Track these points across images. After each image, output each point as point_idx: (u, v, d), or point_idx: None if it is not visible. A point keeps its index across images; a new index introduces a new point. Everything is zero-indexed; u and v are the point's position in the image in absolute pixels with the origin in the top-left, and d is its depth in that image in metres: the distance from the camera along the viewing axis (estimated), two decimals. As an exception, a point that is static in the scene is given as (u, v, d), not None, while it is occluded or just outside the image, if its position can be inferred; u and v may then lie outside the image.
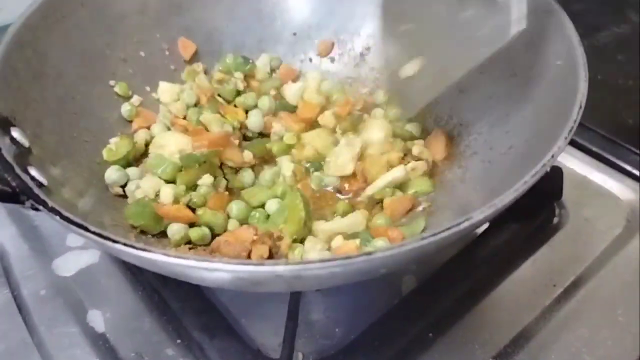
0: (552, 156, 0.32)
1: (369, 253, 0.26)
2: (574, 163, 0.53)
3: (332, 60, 0.55)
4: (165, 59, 0.51)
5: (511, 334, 0.41)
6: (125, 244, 0.27)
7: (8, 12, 0.51)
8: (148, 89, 0.50)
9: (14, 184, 0.30)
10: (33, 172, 0.33)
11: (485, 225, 0.48)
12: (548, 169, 0.32)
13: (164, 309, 0.44)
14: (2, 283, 0.46)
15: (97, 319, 0.43)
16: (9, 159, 0.31)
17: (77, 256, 0.48)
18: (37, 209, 0.31)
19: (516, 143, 0.41)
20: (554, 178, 0.48)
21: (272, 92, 0.52)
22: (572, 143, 0.55)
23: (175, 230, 0.41)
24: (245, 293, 0.44)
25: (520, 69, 0.44)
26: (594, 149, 0.54)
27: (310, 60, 0.56)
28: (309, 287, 0.38)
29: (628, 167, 0.52)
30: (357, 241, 0.40)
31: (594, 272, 0.45)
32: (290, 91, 0.51)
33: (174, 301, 0.44)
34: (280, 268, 0.26)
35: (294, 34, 0.55)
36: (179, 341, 0.42)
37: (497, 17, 0.41)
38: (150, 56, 0.51)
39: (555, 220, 0.49)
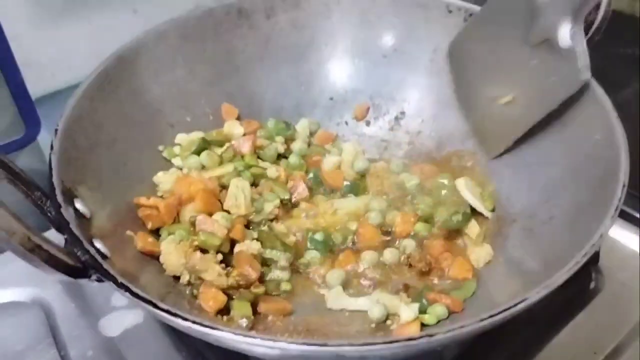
0: (601, 235, 0.33)
1: (431, 335, 0.27)
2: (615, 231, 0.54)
3: (368, 123, 0.57)
4: (209, 123, 0.53)
5: None
6: (194, 322, 0.28)
7: (63, 78, 0.54)
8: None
9: (83, 258, 0.31)
10: (97, 244, 0.34)
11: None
12: (598, 249, 0.32)
13: None
14: (50, 343, 0.47)
15: None
16: (77, 232, 0.33)
17: (122, 316, 0.49)
18: (102, 281, 0.32)
19: (557, 214, 0.42)
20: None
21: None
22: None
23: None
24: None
25: (559, 138, 0.45)
26: (628, 210, 0.56)
27: (347, 123, 0.57)
28: None
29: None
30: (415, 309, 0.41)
31: (634, 338, 0.46)
32: (328, 165, 0.53)
33: None
34: (345, 349, 0.27)
35: (331, 98, 0.57)
36: None
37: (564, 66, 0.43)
38: (195, 120, 0.52)
39: (592, 285, 0.50)
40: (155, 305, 0.29)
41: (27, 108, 0.54)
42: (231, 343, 0.30)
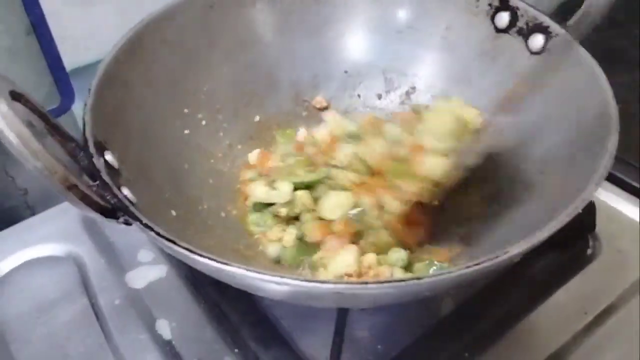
0: (583, 200, 0.35)
1: (420, 278, 0.30)
2: (609, 197, 0.56)
3: (379, 97, 0.60)
4: (228, 92, 0.56)
5: (542, 357, 0.44)
6: (209, 258, 0.32)
7: (95, 52, 0.58)
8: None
9: (112, 202, 0.35)
10: (125, 191, 0.38)
11: (522, 254, 0.52)
12: (580, 211, 0.35)
13: (224, 320, 0.48)
14: (82, 292, 0.51)
15: (164, 328, 0.48)
16: (107, 179, 0.37)
17: (147, 270, 0.53)
18: (129, 224, 0.36)
19: (550, 182, 0.44)
20: (587, 212, 0.51)
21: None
22: (609, 178, 0.58)
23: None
24: (296, 309, 0.48)
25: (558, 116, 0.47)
26: (629, 181, 0.57)
27: (359, 96, 0.60)
28: (362, 304, 0.41)
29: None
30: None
31: (624, 302, 0.48)
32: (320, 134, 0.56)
33: (232, 314, 0.48)
34: (340, 287, 0.30)
35: (346, 71, 0.60)
36: (236, 350, 0.46)
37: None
38: (215, 88, 0.55)
39: (589, 251, 0.52)
40: (174, 243, 0.33)
41: (62, 80, 0.58)
42: (240, 279, 0.33)
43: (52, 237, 0.56)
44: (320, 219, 0.50)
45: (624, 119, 0.67)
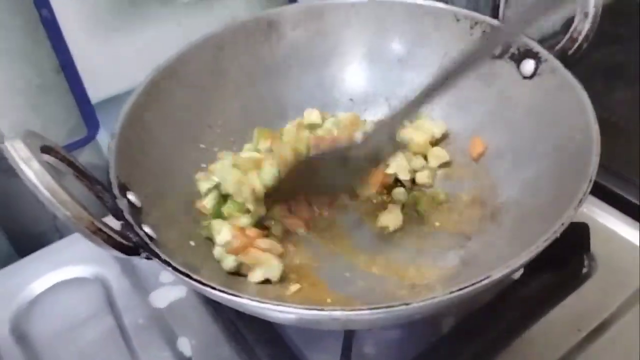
0: (562, 224, 0.38)
1: (407, 304, 0.34)
2: (606, 217, 0.59)
3: (383, 122, 0.63)
4: (240, 123, 0.60)
5: None
6: (218, 289, 0.35)
7: (116, 86, 0.62)
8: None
9: (134, 240, 0.39)
10: (146, 229, 0.42)
11: (520, 273, 0.54)
12: (558, 235, 0.37)
13: (240, 339, 0.52)
14: (108, 312, 0.55)
15: (185, 346, 0.52)
16: (130, 219, 0.41)
17: (168, 291, 0.57)
18: (150, 259, 0.40)
19: (539, 203, 0.47)
20: (581, 233, 0.54)
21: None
22: (607, 197, 0.61)
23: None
24: (308, 330, 0.52)
25: (547, 139, 0.50)
26: (629, 198, 0.60)
27: (365, 121, 0.64)
28: (359, 327, 0.45)
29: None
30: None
31: (616, 319, 0.50)
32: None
33: (248, 333, 0.52)
34: (337, 313, 0.34)
35: (351, 99, 0.63)
36: None
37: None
38: (228, 121, 0.59)
39: (585, 270, 0.54)
40: (189, 277, 0.36)
41: (88, 112, 0.62)
42: (251, 309, 0.37)
43: (80, 259, 0.60)
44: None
45: (624, 135, 0.70)
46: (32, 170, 0.34)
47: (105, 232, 0.36)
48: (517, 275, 0.54)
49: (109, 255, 0.59)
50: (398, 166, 0.56)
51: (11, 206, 0.62)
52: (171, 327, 0.53)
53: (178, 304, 0.56)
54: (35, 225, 0.65)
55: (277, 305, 0.34)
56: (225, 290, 0.36)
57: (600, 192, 0.60)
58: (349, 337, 0.48)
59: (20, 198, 0.62)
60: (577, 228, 0.54)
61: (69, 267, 0.60)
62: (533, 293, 0.53)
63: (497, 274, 0.35)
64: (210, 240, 0.51)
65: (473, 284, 0.35)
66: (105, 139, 0.65)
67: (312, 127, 0.60)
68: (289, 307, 0.34)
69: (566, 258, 0.54)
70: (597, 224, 0.58)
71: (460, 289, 0.35)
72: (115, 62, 0.61)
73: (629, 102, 0.78)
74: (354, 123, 0.59)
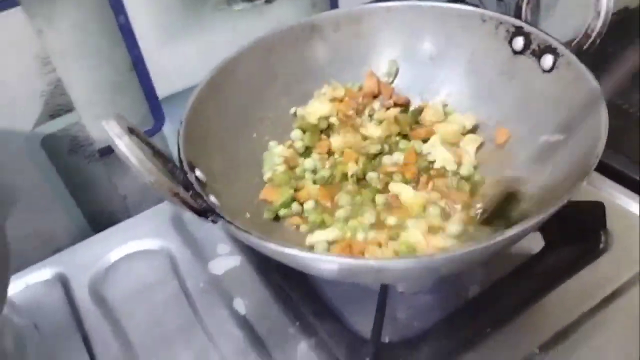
0: (569, 195, 0.43)
1: (432, 255, 0.40)
2: (623, 200, 0.64)
3: (417, 114, 0.70)
4: (287, 118, 0.68)
5: (552, 332, 0.52)
6: (274, 242, 0.43)
7: (181, 83, 0.71)
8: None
9: (203, 206, 0.47)
10: (212, 198, 0.50)
11: (541, 247, 0.60)
12: (567, 200, 0.43)
13: (287, 300, 0.58)
14: (173, 278, 0.63)
15: (240, 305, 0.59)
16: (198, 189, 0.49)
17: (224, 260, 0.64)
18: (215, 222, 0.47)
19: (555, 182, 0.53)
20: (597, 211, 0.59)
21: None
22: (624, 181, 0.66)
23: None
24: (347, 292, 0.58)
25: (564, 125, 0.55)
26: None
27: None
28: (392, 278, 0.50)
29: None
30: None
31: (627, 289, 0.55)
32: None
33: (294, 295, 0.58)
34: (371, 262, 0.41)
35: (387, 95, 0.70)
36: (297, 323, 0.56)
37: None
38: (277, 115, 0.67)
39: (601, 246, 0.59)
40: (249, 233, 0.44)
41: (155, 106, 0.71)
42: (295, 260, 0.44)
43: (147, 234, 0.68)
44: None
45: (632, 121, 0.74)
46: (124, 143, 0.42)
47: (182, 197, 0.44)
48: (537, 249, 0.59)
49: (172, 230, 0.68)
50: (444, 159, 0.61)
51: (89, 189, 0.71)
52: (227, 290, 0.61)
53: (233, 272, 0.63)
54: (109, 205, 0.74)
55: (323, 255, 0.42)
56: (279, 242, 0.43)
57: (617, 176, 0.65)
58: (382, 298, 0.54)
59: (97, 182, 0.71)
60: (594, 206, 0.59)
61: (138, 241, 0.68)
62: (551, 265, 0.58)
63: (510, 232, 0.41)
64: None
65: (489, 241, 0.41)
66: (170, 130, 0.74)
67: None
68: (333, 257, 0.41)
69: (584, 234, 0.59)
70: (615, 205, 0.62)
71: (478, 245, 0.41)
72: (179, 63, 0.70)
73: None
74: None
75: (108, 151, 0.69)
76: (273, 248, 0.43)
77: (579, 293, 0.55)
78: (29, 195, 0.67)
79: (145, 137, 0.50)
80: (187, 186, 0.49)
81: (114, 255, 0.67)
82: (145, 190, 0.76)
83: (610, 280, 0.56)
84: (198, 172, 0.52)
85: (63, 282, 0.65)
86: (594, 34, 0.55)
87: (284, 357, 0.54)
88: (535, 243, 0.60)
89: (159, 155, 0.51)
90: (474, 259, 0.44)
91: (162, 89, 0.70)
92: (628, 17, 0.96)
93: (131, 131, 0.46)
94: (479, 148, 0.64)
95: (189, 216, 0.66)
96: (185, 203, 0.44)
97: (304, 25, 0.67)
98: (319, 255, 0.42)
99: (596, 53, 0.56)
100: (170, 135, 0.74)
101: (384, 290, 0.54)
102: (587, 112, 0.52)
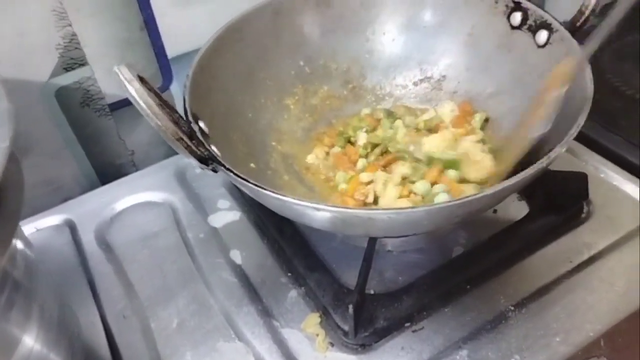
0: (549, 157, 0.45)
1: (414, 207, 0.43)
2: (608, 174, 0.66)
3: (416, 84, 0.72)
4: (290, 79, 0.70)
5: (529, 291, 0.55)
6: (270, 190, 0.46)
7: (190, 44, 0.73)
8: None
9: (205, 154, 0.49)
10: (213, 147, 0.53)
11: (525, 212, 0.63)
12: (544, 165, 0.45)
13: (281, 252, 0.61)
14: (175, 228, 0.66)
15: (236, 256, 0.62)
16: (201, 138, 0.51)
17: (224, 215, 0.67)
18: (216, 171, 0.50)
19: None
20: (579, 182, 0.62)
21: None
22: (610, 156, 0.68)
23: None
24: (337, 247, 0.61)
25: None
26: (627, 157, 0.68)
27: (398, 83, 0.73)
28: (378, 229, 0.50)
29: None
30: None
31: (604, 255, 0.58)
32: None
33: (287, 248, 0.61)
34: (360, 211, 0.44)
35: (387, 63, 0.73)
36: (289, 274, 0.59)
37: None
38: (281, 77, 0.69)
39: (583, 215, 0.62)
40: (247, 180, 0.47)
41: (164, 65, 0.74)
42: (294, 208, 0.46)
43: (152, 187, 0.71)
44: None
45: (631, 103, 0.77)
46: (134, 87, 0.45)
47: (185, 142, 0.47)
48: (521, 215, 0.62)
49: (176, 185, 0.72)
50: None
51: (99, 142, 0.75)
52: (225, 242, 0.64)
53: (231, 225, 0.66)
54: (117, 158, 0.77)
55: (315, 204, 0.44)
56: (276, 191, 0.46)
57: (604, 152, 0.68)
58: (369, 250, 0.57)
59: (106, 135, 0.75)
60: (578, 177, 0.62)
61: (143, 193, 0.71)
62: (533, 231, 0.61)
63: (489, 191, 0.44)
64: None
65: (468, 197, 0.44)
66: (177, 90, 0.77)
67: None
68: (325, 205, 0.44)
69: (567, 203, 0.62)
70: (600, 179, 0.65)
71: (458, 200, 0.44)
72: (189, 24, 0.72)
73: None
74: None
75: (118, 106, 0.73)
76: (268, 194, 0.46)
77: (557, 258, 0.58)
78: (42, 144, 0.70)
79: (153, 87, 0.52)
80: (191, 136, 0.52)
81: (120, 205, 0.71)
82: (151, 147, 0.79)
83: (588, 246, 0.59)
84: (201, 124, 0.55)
85: (71, 227, 0.69)
86: (587, 11, 0.57)
87: (275, 303, 0.57)
88: (520, 210, 0.63)
89: (166, 105, 0.53)
90: (454, 214, 0.46)
91: (171, 49, 0.73)
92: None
93: (141, 80, 0.49)
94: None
95: (192, 173, 0.70)
96: (188, 148, 0.47)
97: (312, -9, 0.70)
98: (312, 204, 0.44)
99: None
100: (178, 95, 0.77)
101: (372, 244, 0.57)
102: (574, 86, 0.54)
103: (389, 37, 0.72)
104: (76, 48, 0.66)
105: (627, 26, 0.97)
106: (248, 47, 0.66)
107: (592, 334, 0.52)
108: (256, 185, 0.47)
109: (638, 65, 0.89)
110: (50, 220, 0.69)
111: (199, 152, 0.48)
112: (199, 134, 0.52)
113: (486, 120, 0.66)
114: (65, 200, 0.73)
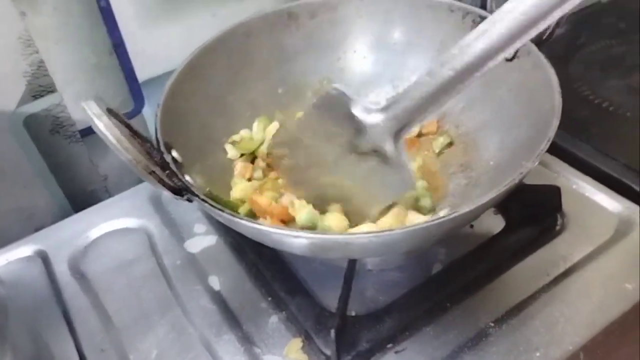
0: (521, 173, 0.46)
1: (391, 230, 0.43)
2: (582, 187, 0.67)
3: (388, 100, 0.72)
4: (263, 102, 0.70)
5: (509, 306, 0.55)
6: (246, 219, 0.45)
7: (161, 66, 0.73)
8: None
9: (178, 185, 0.49)
10: (187, 177, 0.52)
11: (502, 226, 0.63)
12: (517, 182, 0.45)
13: (260, 276, 0.61)
14: (151, 255, 0.65)
15: (214, 282, 0.61)
16: (174, 169, 0.51)
17: (201, 239, 0.66)
18: (190, 201, 0.49)
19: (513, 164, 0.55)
20: (553, 195, 0.63)
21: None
22: (588, 170, 0.69)
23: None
24: (317, 270, 0.61)
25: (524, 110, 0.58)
26: (599, 166, 0.69)
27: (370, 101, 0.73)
28: (357, 252, 0.51)
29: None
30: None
31: (580, 267, 0.58)
32: None
33: (266, 272, 0.61)
34: (339, 237, 0.43)
35: (360, 81, 0.73)
36: (269, 298, 0.58)
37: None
38: (253, 98, 0.69)
39: (558, 227, 0.63)
40: (222, 210, 0.46)
41: (135, 89, 0.73)
42: (268, 236, 0.46)
43: (126, 213, 0.70)
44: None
45: (617, 119, 0.79)
46: (102, 123, 0.44)
47: (157, 175, 0.46)
48: (497, 229, 0.63)
49: (151, 210, 0.71)
50: None
51: (70, 169, 0.73)
52: (203, 268, 0.63)
53: (209, 250, 0.65)
54: (89, 185, 0.76)
55: (292, 231, 0.44)
56: (251, 220, 0.45)
57: (575, 161, 0.69)
58: (350, 272, 0.57)
59: (78, 162, 0.73)
60: (551, 190, 0.63)
61: (117, 220, 0.70)
62: (510, 245, 0.61)
63: (464, 209, 0.44)
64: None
65: (445, 217, 0.44)
66: (149, 113, 0.76)
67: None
68: (302, 232, 0.44)
69: (541, 216, 0.63)
70: (572, 190, 0.66)
71: (434, 220, 0.44)
72: (159, 47, 0.72)
73: (621, 91, 0.86)
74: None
75: (89, 132, 0.71)
76: (245, 224, 0.46)
77: (534, 271, 0.59)
78: (11, 173, 0.69)
79: (124, 118, 0.52)
80: (164, 166, 0.51)
81: (94, 233, 0.69)
82: (124, 171, 0.78)
83: (564, 258, 0.60)
84: (175, 153, 0.54)
85: (43, 258, 0.67)
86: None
87: (256, 329, 0.57)
88: (496, 224, 0.64)
89: (137, 136, 0.53)
90: (432, 234, 0.46)
91: (142, 73, 0.73)
92: (597, 12, 1.00)
93: (110, 112, 0.48)
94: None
95: (167, 197, 0.69)
96: (160, 181, 0.47)
97: (281, 11, 0.70)
98: (289, 232, 0.44)
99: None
100: (150, 118, 0.76)
101: (352, 265, 0.56)
102: (543, 98, 0.55)
103: (359, 55, 0.72)
104: (44, 75, 0.65)
105: (594, 34, 1.00)
106: (220, 71, 0.65)
107: (572, 347, 0.52)
108: (232, 214, 0.46)
109: (605, 74, 0.91)
110: (22, 251, 0.68)
111: (171, 184, 0.48)
112: (172, 165, 0.51)
113: (450, 144, 0.66)
114: (38, 229, 0.71)
